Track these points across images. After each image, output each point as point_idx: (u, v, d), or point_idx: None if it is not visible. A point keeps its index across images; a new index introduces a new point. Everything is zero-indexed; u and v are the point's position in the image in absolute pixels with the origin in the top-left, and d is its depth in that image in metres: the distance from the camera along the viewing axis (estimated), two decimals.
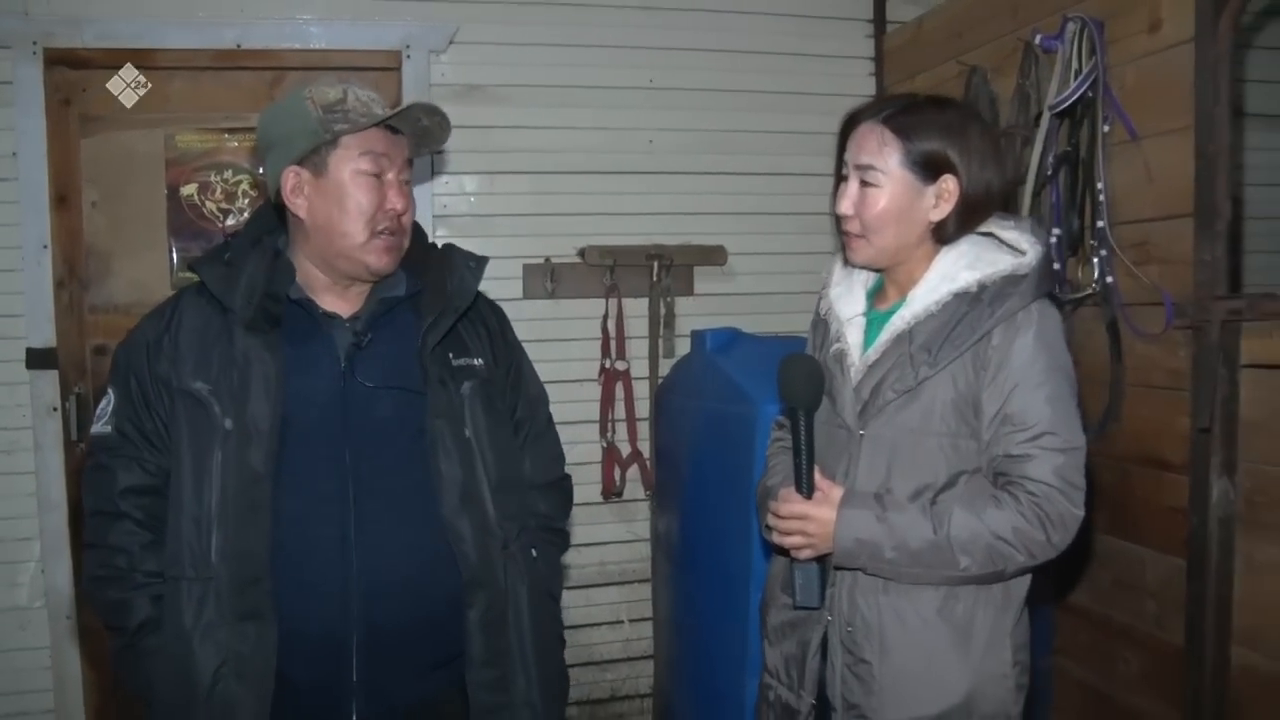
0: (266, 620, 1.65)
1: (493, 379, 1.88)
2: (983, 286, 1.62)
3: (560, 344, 3.38)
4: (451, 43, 3.29)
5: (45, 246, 3.07)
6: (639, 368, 3.43)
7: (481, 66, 3.33)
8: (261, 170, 1.86)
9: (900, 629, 1.64)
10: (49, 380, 3.10)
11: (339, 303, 1.80)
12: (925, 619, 1.63)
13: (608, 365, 3.40)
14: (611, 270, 3.37)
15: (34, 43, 3.02)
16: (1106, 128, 2.48)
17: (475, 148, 3.31)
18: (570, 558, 3.43)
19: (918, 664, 1.64)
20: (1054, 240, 2.55)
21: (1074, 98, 2.49)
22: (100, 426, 1.77)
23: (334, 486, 1.70)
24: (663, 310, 3.41)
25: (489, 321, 1.95)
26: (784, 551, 1.74)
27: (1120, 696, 2.57)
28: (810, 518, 1.63)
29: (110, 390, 1.79)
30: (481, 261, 1.91)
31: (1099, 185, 2.48)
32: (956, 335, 1.60)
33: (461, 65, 3.31)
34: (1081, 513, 1.58)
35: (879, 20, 3.62)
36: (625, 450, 3.42)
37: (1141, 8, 2.40)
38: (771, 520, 1.70)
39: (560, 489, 2.04)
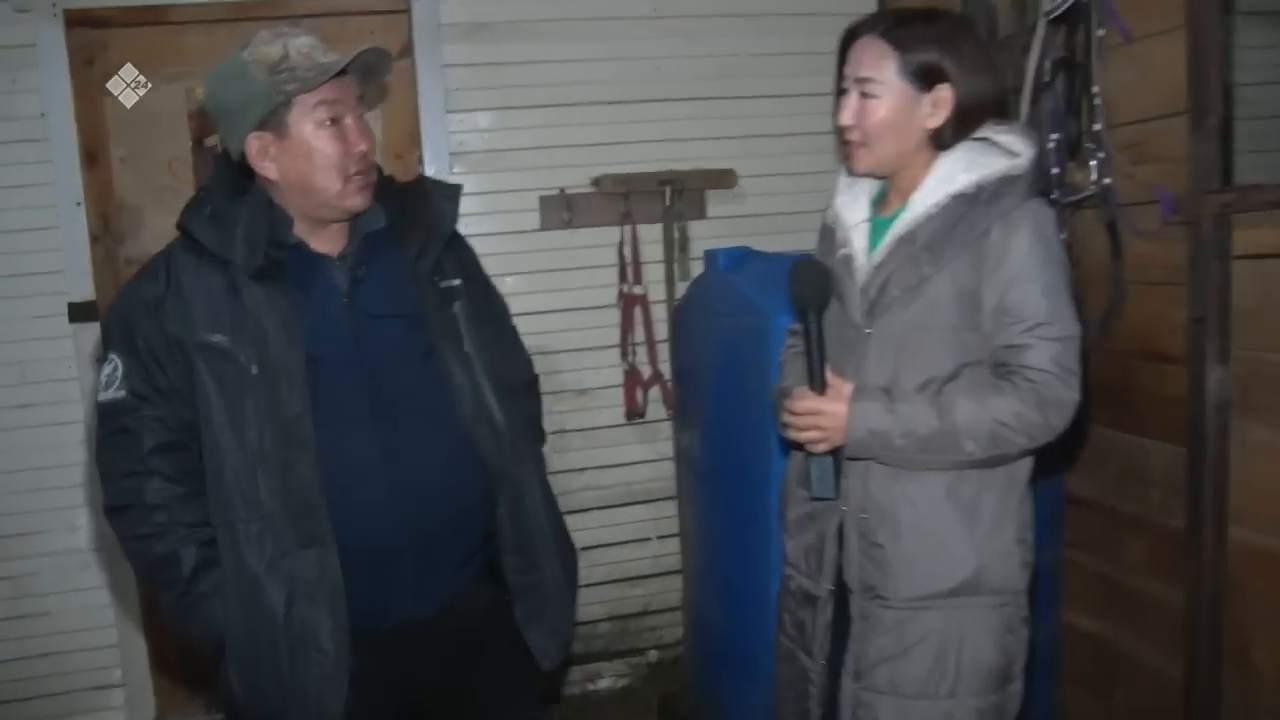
0: (327, 544, 1.75)
1: (471, 298, 1.98)
2: (979, 188, 1.70)
3: (578, 272, 3.48)
4: None
5: (79, 203, 3.16)
6: (656, 291, 3.51)
7: (489, 4, 3.35)
8: (220, 134, 1.88)
9: (911, 513, 1.76)
10: (91, 332, 3.19)
11: (326, 243, 1.87)
12: (935, 502, 1.75)
13: (625, 290, 3.48)
14: (625, 198, 3.43)
15: (54, 4, 3.08)
16: (1101, 32, 2.53)
17: (487, 84, 3.37)
18: (596, 479, 3.61)
19: (929, 544, 1.75)
20: (1053, 144, 2.62)
21: (1068, 3, 2.54)
22: (111, 393, 1.79)
23: (364, 412, 1.81)
24: (677, 234, 3.48)
25: (461, 250, 2.05)
26: (800, 447, 1.85)
27: (1127, 581, 2.68)
28: (823, 412, 1.74)
29: (114, 355, 1.81)
30: (457, 189, 2.01)
31: (1095, 89, 2.53)
32: (956, 234, 1.70)
33: (469, 4, 3.33)
34: (1078, 397, 1.68)
35: None
36: (646, 372, 3.51)
37: None
38: (787, 418, 1.81)
39: (535, 389, 2.19)
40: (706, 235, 3.49)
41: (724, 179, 3.52)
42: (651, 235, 3.49)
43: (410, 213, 1.93)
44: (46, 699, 3.31)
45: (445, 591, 1.89)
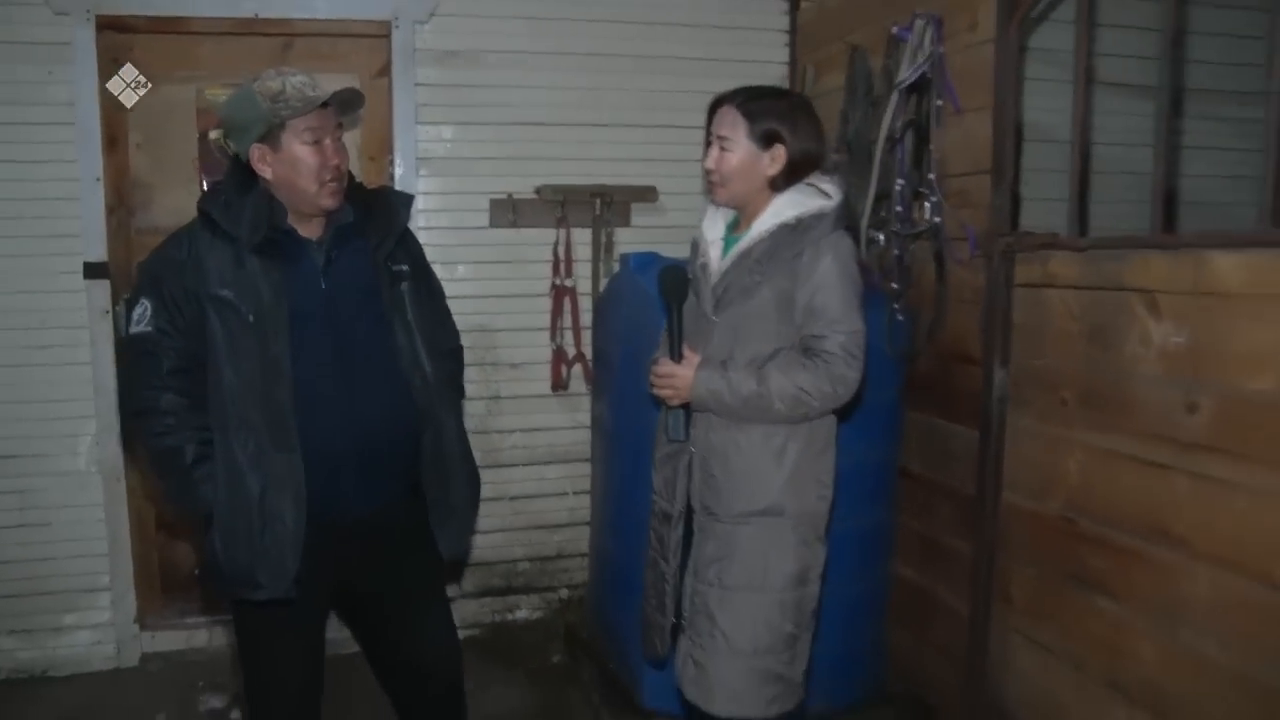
0: (294, 451, 2.35)
1: (415, 280, 2.58)
2: (799, 220, 2.35)
3: (519, 265, 4.09)
4: (433, 15, 3.90)
5: (98, 179, 3.70)
6: (583, 285, 4.12)
7: (457, 35, 3.95)
8: (230, 142, 2.44)
9: (737, 453, 2.40)
10: (102, 289, 3.75)
11: (309, 230, 2.46)
12: (753, 446, 2.38)
13: (557, 283, 4.08)
14: (562, 205, 4.03)
15: (88, 10, 3.61)
16: (939, 102, 3.19)
17: (451, 102, 3.97)
18: (525, 440, 4.21)
19: (747, 477, 2.39)
20: (899, 187, 3.28)
21: (914, 77, 3.19)
22: (141, 328, 2.33)
23: (329, 357, 2.41)
24: (604, 239, 4.08)
25: (410, 244, 2.66)
26: (662, 403, 2.50)
27: (939, 538, 3.34)
28: (677, 375, 2.38)
29: (144, 299, 2.35)
30: (410, 198, 2.66)
31: (931, 146, 3.20)
32: (779, 253, 2.34)
33: (440, 34, 3.93)
34: (857, 376, 2.32)
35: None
36: (571, 352, 4.13)
37: (967, 9, 3.08)
38: (652, 379, 2.45)
39: (459, 355, 2.78)
40: (631, 241, 4.08)
41: (646, 194, 4.13)
42: (583, 238, 4.11)
43: (373, 212, 2.54)
44: (45, 596, 3.86)
45: (379, 498, 2.50)
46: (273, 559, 2.34)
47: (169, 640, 4.04)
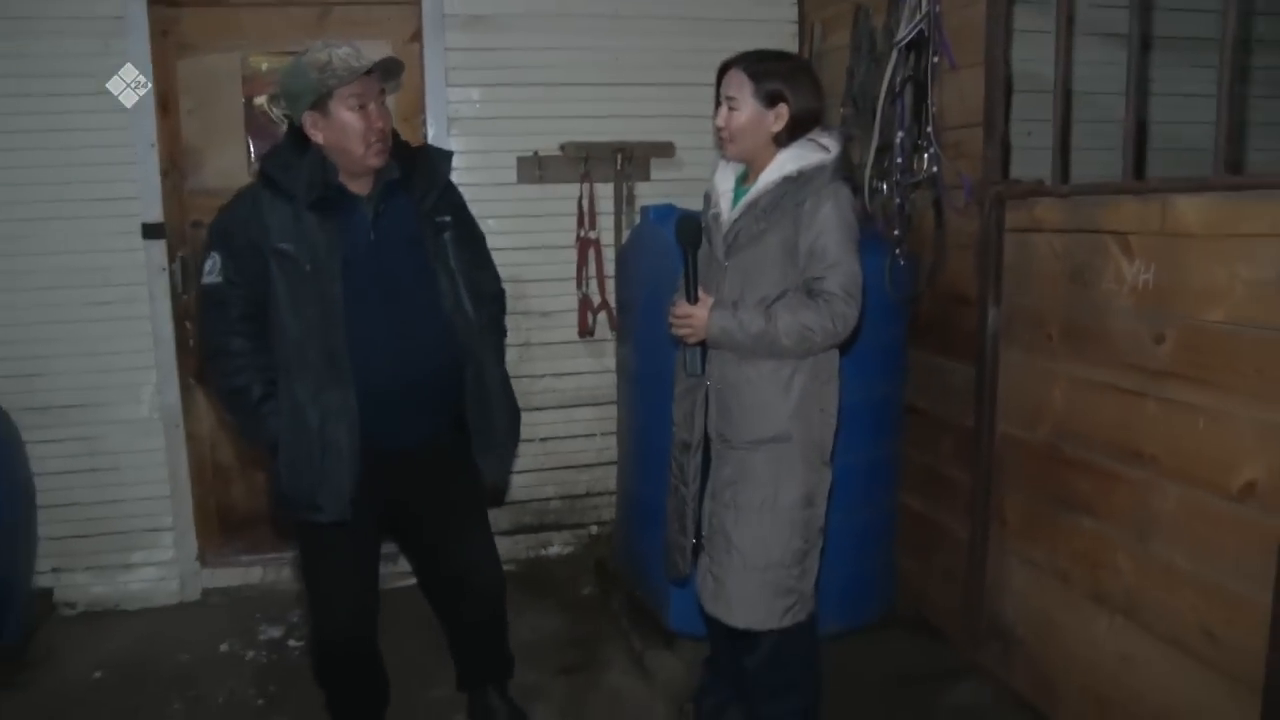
0: (349, 386, 2.61)
1: (457, 230, 2.83)
2: (801, 173, 2.57)
3: (546, 219, 4.33)
4: None
5: (153, 145, 3.96)
6: (606, 237, 4.35)
7: (484, 1, 4.17)
8: (286, 109, 2.69)
9: (748, 386, 2.64)
10: (159, 248, 4.03)
11: (359, 187, 2.71)
12: (763, 378, 2.63)
13: (582, 235, 4.32)
14: (585, 161, 4.26)
15: None
16: (936, 59, 3.39)
17: (479, 65, 4.20)
18: (554, 384, 4.47)
19: (758, 407, 2.63)
20: (899, 138, 3.50)
21: (913, 34, 3.39)
22: (212, 278, 2.61)
23: (378, 300, 2.65)
24: (625, 192, 4.32)
25: (452, 196, 2.89)
26: (680, 342, 2.75)
27: (942, 469, 3.60)
28: (693, 316, 2.62)
29: (214, 253, 2.62)
30: (449, 155, 2.89)
31: (930, 101, 3.42)
32: (783, 203, 2.56)
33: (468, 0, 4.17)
34: (855, 313, 2.54)
35: None
36: (596, 300, 4.37)
37: None
38: (671, 319, 2.70)
39: (501, 300, 3.02)
40: (650, 194, 4.29)
41: (665, 150, 4.36)
42: (605, 192, 4.34)
43: (417, 169, 2.78)
44: (114, 536, 4.18)
45: (426, 429, 2.77)
46: (332, 484, 2.61)
47: (227, 577, 4.35)
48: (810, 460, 2.69)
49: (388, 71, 2.70)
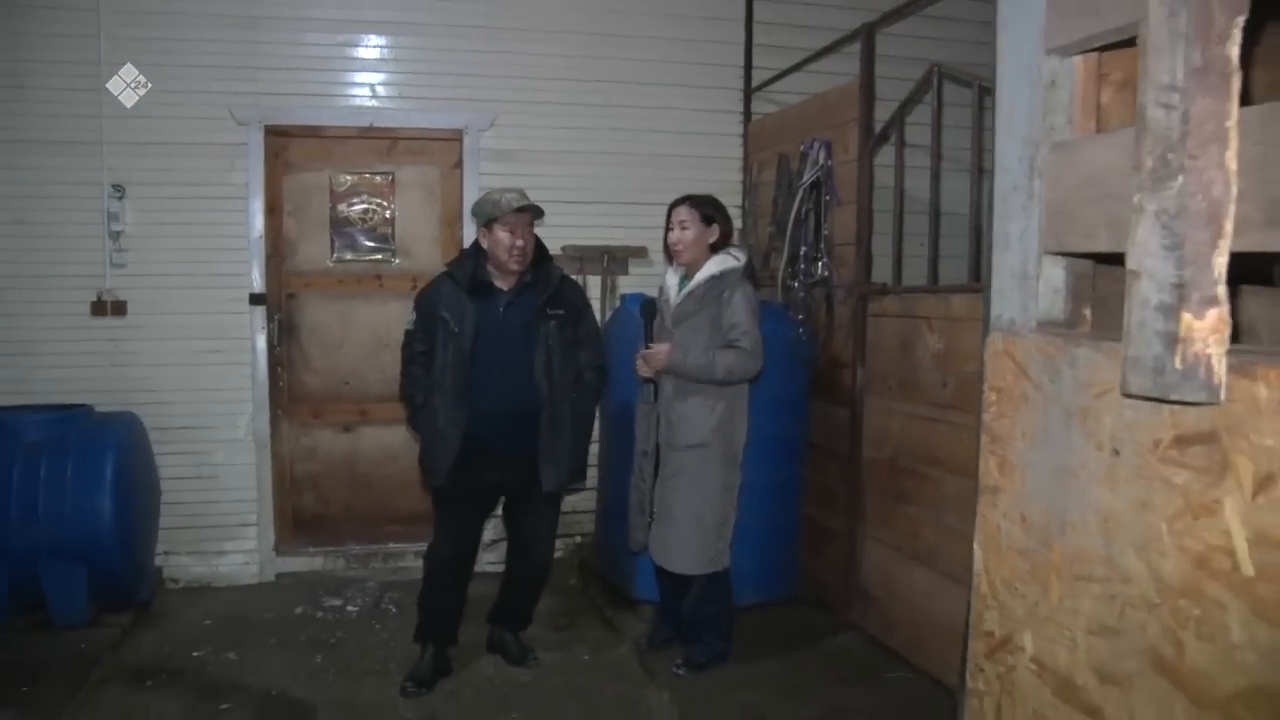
0: (464, 407, 3.94)
1: (565, 321, 4.03)
2: (723, 273, 3.99)
3: None
4: (492, 125, 5.58)
5: (260, 236, 5.35)
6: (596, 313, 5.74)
7: (509, 139, 5.61)
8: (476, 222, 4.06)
9: (684, 408, 4.02)
10: (260, 312, 5.39)
11: (503, 282, 4.02)
12: (696, 404, 4.00)
13: None
14: (580, 259, 5.64)
15: (260, 122, 5.29)
16: (828, 197, 4.87)
17: (504, 186, 5.53)
18: None
19: (690, 422, 4.02)
20: (804, 250, 4.95)
21: (813, 178, 4.86)
22: (409, 327, 4.04)
23: (493, 359, 3.95)
24: (610, 283, 5.71)
25: (569, 294, 4.14)
26: (641, 378, 4.15)
27: (828, 484, 4.94)
28: (657, 352, 4.00)
29: (415, 312, 4.02)
30: (560, 271, 4.16)
31: (824, 225, 4.88)
32: (710, 294, 3.98)
33: (497, 138, 5.60)
34: (759, 363, 3.94)
35: (747, 114, 5.91)
36: None
37: (843, 137, 4.74)
38: (638, 359, 4.09)
39: (600, 368, 4.19)
40: (628, 284, 5.68)
41: (640, 252, 5.76)
42: (595, 282, 5.72)
43: (540, 276, 4.08)
44: (211, 529, 5.47)
45: (510, 443, 4.01)
46: (442, 461, 3.95)
47: (297, 564, 5.62)
48: (726, 461, 4.07)
49: (536, 211, 4.02)
